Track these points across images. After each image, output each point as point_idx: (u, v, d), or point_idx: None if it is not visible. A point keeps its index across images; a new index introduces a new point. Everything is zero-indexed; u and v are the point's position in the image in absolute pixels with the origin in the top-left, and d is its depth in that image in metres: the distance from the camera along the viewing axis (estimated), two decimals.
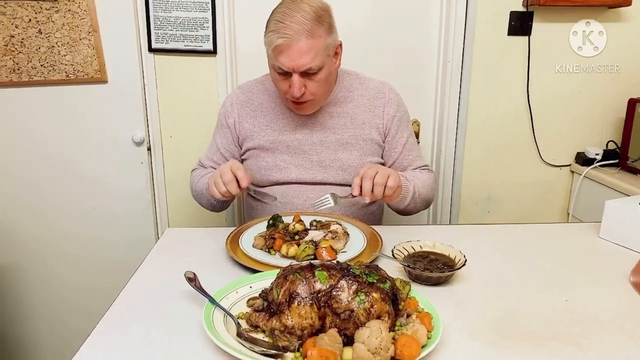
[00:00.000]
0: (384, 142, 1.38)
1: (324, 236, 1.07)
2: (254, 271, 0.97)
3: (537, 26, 1.84)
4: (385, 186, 1.12)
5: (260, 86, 1.41)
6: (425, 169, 1.42)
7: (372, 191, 1.12)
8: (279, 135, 1.35)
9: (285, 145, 1.35)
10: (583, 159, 1.94)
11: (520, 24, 1.84)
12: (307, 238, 1.07)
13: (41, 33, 1.72)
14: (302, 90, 1.22)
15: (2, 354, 1.75)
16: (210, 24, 1.76)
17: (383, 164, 1.40)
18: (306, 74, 1.20)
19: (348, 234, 1.12)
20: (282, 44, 1.16)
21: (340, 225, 1.13)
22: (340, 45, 1.28)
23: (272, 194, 1.33)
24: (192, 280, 0.88)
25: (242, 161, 1.42)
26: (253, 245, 1.08)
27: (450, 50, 1.87)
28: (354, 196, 1.14)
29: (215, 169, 1.40)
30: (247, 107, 1.39)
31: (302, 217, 1.17)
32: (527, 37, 1.85)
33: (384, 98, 1.37)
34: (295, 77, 1.19)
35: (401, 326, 0.73)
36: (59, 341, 2.07)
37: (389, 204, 1.31)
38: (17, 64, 1.74)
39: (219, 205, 1.38)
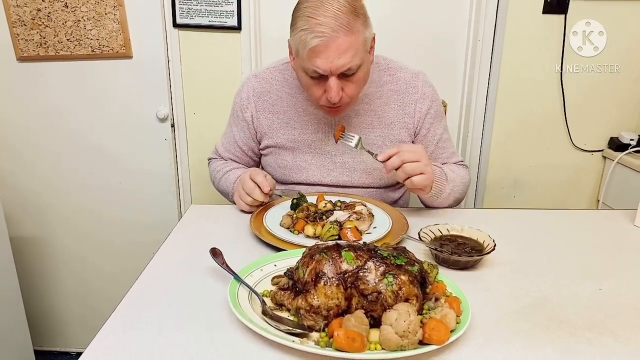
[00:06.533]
0: (413, 142, 1.28)
1: (349, 217, 1.06)
2: (278, 249, 0.97)
3: (574, 4, 1.76)
4: (409, 178, 1.05)
5: (280, 76, 1.27)
6: (462, 165, 1.32)
7: (395, 169, 1.05)
8: (300, 135, 1.26)
9: (307, 145, 1.26)
10: (616, 145, 1.87)
11: (556, 2, 1.75)
12: (332, 218, 1.06)
13: (67, 7, 1.71)
14: (340, 94, 1.07)
15: (32, 324, 1.81)
16: (235, 0, 1.73)
17: None
18: (343, 75, 1.06)
19: (373, 216, 1.10)
20: (319, 45, 0.99)
21: (365, 206, 1.11)
22: (374, 38, 1.12)
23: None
24: (217, 256, 0.87)
25: (260, 157, 1.36)
26: (280, 224, 1.07)
27: (481, 28, 1.80)
28: (378, 160, 1.06)
29: (234, 161, 1.37)
30: (264, 101, 1.27)
31: (326, 198, 1.15)
32: (563, 16, 1.76)
33: (416, 93, 1.24)
34: (333, 80, 1.05)
35: (429, 310, 0.71)
36: (86, 312, 2.13)
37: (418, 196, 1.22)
38: (44, 38, 1.75)
39: None
